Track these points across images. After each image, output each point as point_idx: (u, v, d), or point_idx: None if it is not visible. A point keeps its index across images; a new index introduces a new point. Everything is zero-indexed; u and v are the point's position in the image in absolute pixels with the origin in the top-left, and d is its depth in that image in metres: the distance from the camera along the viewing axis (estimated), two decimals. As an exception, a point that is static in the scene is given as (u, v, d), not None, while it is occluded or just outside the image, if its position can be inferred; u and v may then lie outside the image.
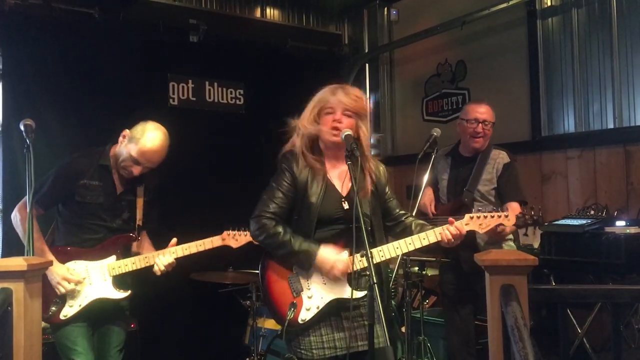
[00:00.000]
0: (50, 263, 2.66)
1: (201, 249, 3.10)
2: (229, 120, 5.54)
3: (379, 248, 2.53)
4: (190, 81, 5.37)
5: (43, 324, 3.32)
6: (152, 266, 3.07)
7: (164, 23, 5.11)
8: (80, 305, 3.01)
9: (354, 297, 2.45)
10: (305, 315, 2.51)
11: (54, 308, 2.99)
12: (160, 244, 3.21)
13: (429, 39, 5.79)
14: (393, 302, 4.39)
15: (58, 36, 4.66)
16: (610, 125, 4.48)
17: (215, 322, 5.01)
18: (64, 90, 4.66)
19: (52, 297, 2.98)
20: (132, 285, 3.16)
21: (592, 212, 4.22)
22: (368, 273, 2.20)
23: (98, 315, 3.09)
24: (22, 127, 2.92)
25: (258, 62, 5.69)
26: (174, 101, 5.28)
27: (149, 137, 3.03)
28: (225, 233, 3.12)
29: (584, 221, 4.02)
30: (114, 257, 3.08)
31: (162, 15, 5.14)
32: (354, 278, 2.47)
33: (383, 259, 2.54)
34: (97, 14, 4.73)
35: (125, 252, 3.12)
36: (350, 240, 2.44)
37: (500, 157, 3.65)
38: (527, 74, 5.06)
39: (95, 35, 4.78)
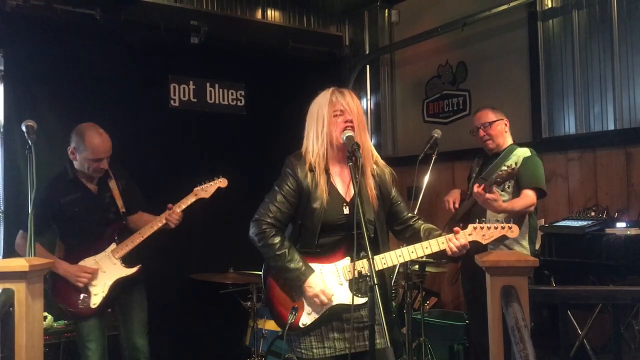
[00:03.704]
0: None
1: (183, 207, 3.54)
2: (230, 121, 5.54)
3: (381, 255, 2.52)
4: (191, 82, 5.37)
5: (45, 324, 3.47)
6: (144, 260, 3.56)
7: (165, 24, 5.11)
8: (103, 292, 3.44)
9: (355, 303, 2.45)
10: (306, 319, 2.51)
11: (83, 303, 3.41)
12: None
13: (429, 40, 5.79)
14: (393, 304, 4.40)
15: (59, 37, 4.67)
16: (611, 127, 4.48)
17: (215, 323, 5.01)
18: (65, 92, 4.66)
19: (77, 294, 3.41)
20: (140, 259, 3.58)
21: (593, 214, 4.21)
22: (369, 274, 2.20)
23: (120, 291, 3.51)
24: (23, 128, 3.05)
25: (259, 64, 5.69)
26: (174, 102, 5.29)
27: (89, 136, 3.41)
28: (195, 189, 3.58)
29: (584, 222, 4.02)
30: (113, 244, 3.51)
31: (163, 17, 5.14)
32: (355, 284, 2.47)
33: (385, 266, 2.53)
34: (98, 15, 4.73)
35: (122, 236, 3.53)
36: (352, 246, 2.45)
37: (522, 152, 3.74)
38: (527, 76, 5.05)
39: (97, 36, 4.78)
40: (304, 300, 2.53)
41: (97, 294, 3.43)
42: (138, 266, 3.52)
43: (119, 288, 3.49)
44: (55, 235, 3.59)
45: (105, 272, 3.46)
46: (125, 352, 3.63)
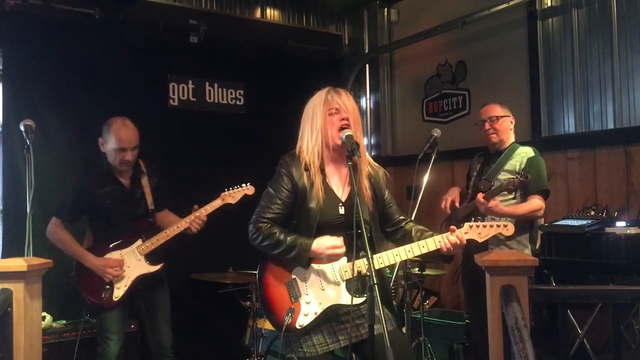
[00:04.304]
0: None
1: (209, 211, 3.59)
2: (229, 120, 5.53)
3: (378, 255, 2.51)
4: (190, 82, 5.37)
5: (44, 324, 3.48)
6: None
7: (164, 23, 5.11)
8: (126, 285, 3.54)
9: (353, 303, 2.44)
10: (302, 320, 2.50)
11: (106, 295, 3.51)
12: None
13: (429, 39, 5.78)
14: (394, 303, 4.39)
15: (58, 36, 4.66)
16: (611, 126, 4.48)
17: (215, 323, 5.01)
18: (64, 91, 4.66)
19: (101, 287, 3.51)
20: (164, 257, 3.68)
21: (592, 213, 4.21)
22: (368, 274, 2.19)
23: (143, 287, 3.62)
24: (22, 128, 3.07)
25: (258, 63, 5.69)
26: (174, 102, 5.29)
27: (115, 128, 3.56)
28: (222, 194, 3.62)
29: (584, 222, 4.02)
30: (140, 240, 3.60)
31: (162, 16, 5.13)
32: (353, 284, 2.46)
33: (382, 265, 2.53)
34: (97, 14, 4.73)
35: (149, 233, 3.62)
36: (349, 246, 2.45)
37: (525, 152, 3.75)
38: (527, 75, 5.05)
39: (96, 35, 4.77)
40: (301, 301, 2.52)
41: (120, 287, 3.53)
42: (161, 264, 3.63)
43: (142, 284, 3.59)
44: (85, 226, 3.71)
45: (130, 267, 3.56)
46: (152, 348, 3.78)
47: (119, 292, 3.53)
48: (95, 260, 3.50)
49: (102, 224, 3.62)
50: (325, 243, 2.47)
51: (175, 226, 3.58)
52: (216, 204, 3.60)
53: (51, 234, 3.59)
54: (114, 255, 3.57)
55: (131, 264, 3.57)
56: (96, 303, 3.53)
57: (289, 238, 2.48)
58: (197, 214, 3.56)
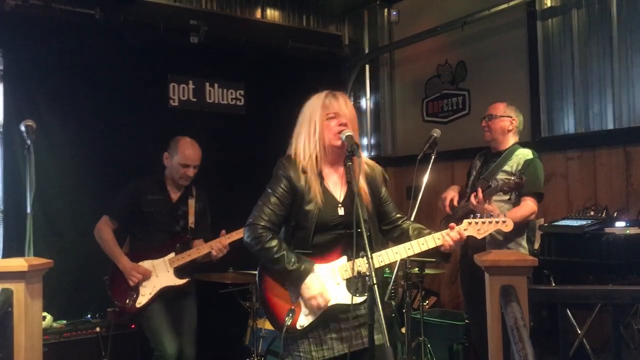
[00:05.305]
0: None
1: (234, 239, 3.66)
2: (230, 121, 5.54)
3: (378, 253, 2.50)
4: (190, 82, 5.37)
5: (44, 324, 3.50)
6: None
7: (165, 24, 5.11)
8: (150, 294, 3.68)
9: (353, 302, 2.44)
10: (303, 321, 2.49)
11: (130, 300, 3.66)
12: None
13: (429, 39, 5.79)
14: (393, 303, 4.39)
15: (58, 37, 4.67)
16: (610, 126, 4.48)
17: (215, 323, 5.01)
18: (64, 91, 4.67)
19: (128, 292, 3.68)
20: (191, 274, 3.87)
21: (592, 213, 4.21)
22: (368, 274, 2.19)
23: (170, 298, 3.76)
24: (22, 128, 3.08)
25: (258, 63, 5.69)
26: (174, 102, 5.29)
27: (182, 144, 3.80)
28: None
29: (583, 222, 4.02)
30: (172, 253, 3.77)
31: (162, 16, 5.14)
32: (353, 283, 2.46)
33: (382, 264, 2.52)
34: (97, 15, 4.73)
35: (182, 249, 3.78)
36: (348, 245, 2.44)
37: (523, 154, 3.76)
38: (527, 75, 5.05)
39: (96, 35, 4.78)
40: (302, 302, 2.52)
41: (144, 295, 3.68)
42: (187, 279, 3.78)
43: (168, 294, 3.73)
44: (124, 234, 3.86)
45: (158, 277, 3.72)
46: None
47: (142, 299, 3.67)
48: (127, 263, 3.67)
49: (141, 233, 3.79)
50: (317, 288, 2.45)
51: (208, 244, 3.73)
52: (241, 233, 3.61)
53: (97, 230, 3.76)
54: (146, 264, 3.72)
55: (160, 274, 3.73)
56: (121, 306, 3.69)
57: (287, 261, 2.45)
58: (220, 240, 3.69)
